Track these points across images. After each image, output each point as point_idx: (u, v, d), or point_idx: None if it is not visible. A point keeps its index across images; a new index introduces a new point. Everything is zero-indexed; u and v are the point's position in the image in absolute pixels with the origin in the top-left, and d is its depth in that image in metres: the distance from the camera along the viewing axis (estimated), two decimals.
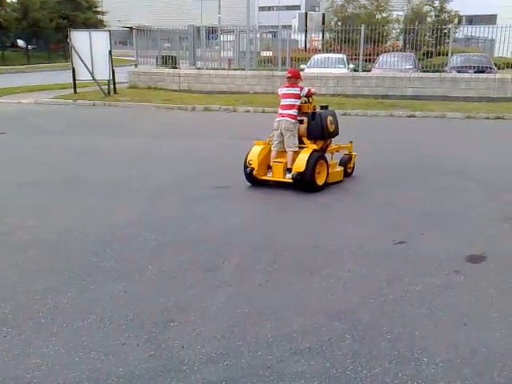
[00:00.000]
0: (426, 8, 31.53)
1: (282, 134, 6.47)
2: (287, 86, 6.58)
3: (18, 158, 8.25)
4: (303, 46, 25.05)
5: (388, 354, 2.95)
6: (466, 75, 16.86)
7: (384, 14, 30.22)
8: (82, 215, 5.46)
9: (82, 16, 42.58)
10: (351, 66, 19.09)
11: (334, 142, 7.03)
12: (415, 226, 5.15)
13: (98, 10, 47.42)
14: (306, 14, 33.63)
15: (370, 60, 19.98)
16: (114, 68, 16.93)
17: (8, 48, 39.13)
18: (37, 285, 3.77)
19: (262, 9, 59.83)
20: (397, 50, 22.64)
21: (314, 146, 6.42)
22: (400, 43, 25.39)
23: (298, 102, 6.52)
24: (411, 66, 18.68)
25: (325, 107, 6.77)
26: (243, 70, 20.05)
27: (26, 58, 38.03)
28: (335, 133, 6.78)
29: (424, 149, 9.26)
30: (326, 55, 19.86)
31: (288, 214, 5.59)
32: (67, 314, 3.36)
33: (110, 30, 18.37)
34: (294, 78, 6.60)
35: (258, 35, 23.07)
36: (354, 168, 7.23)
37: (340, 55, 19.56)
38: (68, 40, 16.92)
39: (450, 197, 6.23)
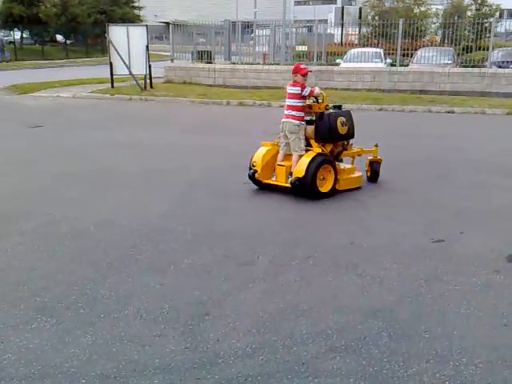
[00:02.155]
0: (467, 1, 30.82)
1: (286, 136, 6.09)
2: (291, 85, 6.11)
3: (57, 150, 8.41)
4: (339, 40, 24.80)
5: (426, 353, 2.90)
6: (506, 70, 16.40)
7: (423, 8, 29.69)
8: (119, 207, 5.54)
9: (120, 11, 43.09)
10: (388, 60, 18.80)
11: (357, 145, 6.53)
12: (454, 224, 5.05)
13: (135, 4, 47.88)
14: (343, 8, 33.31)
15: (407, 55, 19.63)
16: (151, 63, 17.08)
17: (47, 43, 39.94)
18: (75, 275, 3.84)
19: (297, 3, 59.58)
20: (435, 45, 22.20)
21: (319, 150, 5.93)
22: (438, 38, 24.88)
23: (299, 103, 6.02)
24: (450, 61, 18.28)
25: (338, 107, 6.28)
26: (278, 64, 19.97)
27: (65, 53, 38.78)
28: (348, 135, 6.21)
29: (463, 145, 9.06)
30: (363, 50, 19.61)
31: (323, 210, 5.55)
32: (105, 305, 3.41)
33: (147, 25, 18.53)
34: (295, 75, 6.10)
35: (294, 30, 22.92)
36: (377, 173, 6.61)
37: (377, 50, 19.29)
38: (106, 35, 17.14)
39: (490, 195, 6.09)
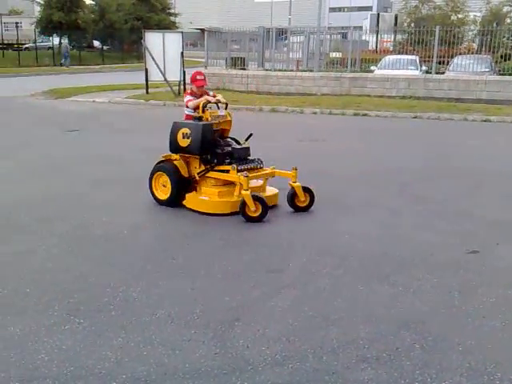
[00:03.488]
0: (507, 8, 30.22)
1: None
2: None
3: (92, 155, 8.55)
4: (374, 47, 24.64)
5: (459, 366, 2.83)
6: None
7: (460, 15, 29.24)
8: (151, 211, 5.59)
9: (156, 17, 43.71)
10: (424, 67, 18.59)
11: (278, 168, 5.83)
12: (490, 236, 4.94)
13: (171, 11, 48.56)
14: (378, 15, 33.08)
15: (443, 62, 19.38)
16: (185, 69, 17.26)
17: (85, 48, 40.81)
18: (108, 278, 3.89)
19: (332, 10, 59.42)
20: (472, 53, 21.84)
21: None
22: (476, 45, 24.46)
23: (186, 112, 5.88)
24: (487, 69, 17.95)
25: (198, 118, 5.65)
26: (311, 71, 19.95)
27: (101, 59, 39.54)
28: (188, 149, 5.56)
29: (499, 155, 8.88)
30: (398, 57, 19.45)
31: (354, 217, 5.50)
32: (136, 308, 3.44)
33: (182, 32, 18.76)
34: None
35: (328, 36, 22.87)
36: (311, 201, 5.64)
37: (412, 57, 19.09)
38: (142, 41, 17.41)
39: None
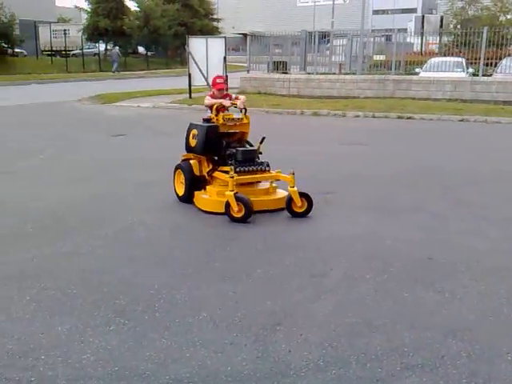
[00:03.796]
0: None
1: None
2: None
3: (136, 158, 8.71)
4: (419, 49, 24.24)
5: (508, 376, 2.75)
6: None
7: (509, 16, 28.48)
8: (193, 214, 5.63)
9: (199, 23, 44.28)
10: (470, 70, 18.18)
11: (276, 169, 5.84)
12: None
13: (214, 17, 49.07)
14: (423, 16, 32.53)
15: (491, 64, 18.91)
16: (227, 73, 17.39)
17: (130, 54, 41.65)
18: (152, 280, 3.94)
19: (375, 12, 58.76)
20: None
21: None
22: None
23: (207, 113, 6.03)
24: None
25: (207, 120, 5.87)
26: (354, 74, 19.79)
27: (146, 64, 40.30)
28: (194, 150, 5.90)
29: None
30: (443, 59, 19.11)
31: (398, 221, 5.41)
32: (180, 310, 3.47)
33: (225, 37, 18.93)
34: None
35: (371, 39, 22.64)
36: (309, 207, 5.51)
37: (458, 59, 18.72)
38: (186, 46, 17.65)
39: None
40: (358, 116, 14.37)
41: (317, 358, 2.92)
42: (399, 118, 13.85)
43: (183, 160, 6.17)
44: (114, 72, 34.02)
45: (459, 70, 18.02)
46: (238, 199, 5.29)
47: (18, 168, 7.95)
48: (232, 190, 5.32)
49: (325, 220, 5.47)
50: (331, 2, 48.20)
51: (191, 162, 5.99)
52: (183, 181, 6.03)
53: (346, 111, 14.77)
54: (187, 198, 5.95)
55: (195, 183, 5.90)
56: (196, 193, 5.88)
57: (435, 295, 3.70)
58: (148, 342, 3.08)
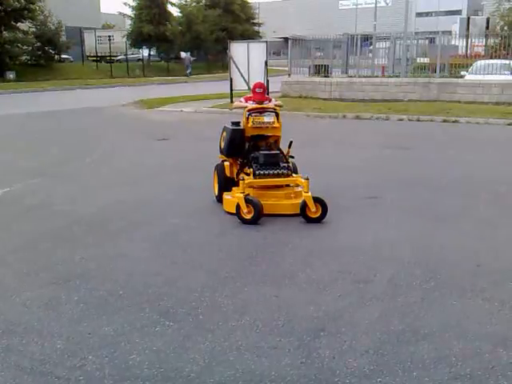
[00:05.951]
0: None
1: None
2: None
3: (180, 162, 8.81)
4: (464, 51, 23.71)
5: None
6: None
7: None
8: (236, 217, 5.60)
9: (240, 28, 44.55)
10: None
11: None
12: None
13: (255, 21, 49.27)
14: (469, 18, 31.84)
15: None
16: (268, 78, 17.42)
17: (172, 60, 42.24)
18: (195, 282, 3.97)
19: (419, 15, 57.92)
20: None
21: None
22: None
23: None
24: None
25: (235, 123, 6.03)
26: (397, 77, 19.50)
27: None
28: (222, 151, 6.19)
29: None
30: (490, 61, 18.61)
31: (444, 227, 5.29)
32: (223, 313, 3.49)
33: (266, 41, 18.97)
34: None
35: (415, 41, 22.27)
36: (324, 213, 5.41)
37: (506, 61, 18.21)
38: (227, 51, 17.78)
39: None
40: (401, 119, 14.15)
41: (362, 365, 2.88)
42: (444, 121, 13.57)
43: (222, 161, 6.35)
44: (187, 75, 35.77)
45: (507, 72, 17.53)
46: (247, 201, 5.37)
47: (64, 171, 8.16)
48: (243, 192, 5.44)
49: (369, 225, 5.40)
50: (373, 5, 47.74)
51: (225, 163, 6.20)
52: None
53: (389, 114, 14.57)
54: (218, 198, 6.09)
55: (226, 184, 6.03)
56: (224, 193, 5.97)
57: (484, 303, 3.60)
58: (192, 344, 3.10)
